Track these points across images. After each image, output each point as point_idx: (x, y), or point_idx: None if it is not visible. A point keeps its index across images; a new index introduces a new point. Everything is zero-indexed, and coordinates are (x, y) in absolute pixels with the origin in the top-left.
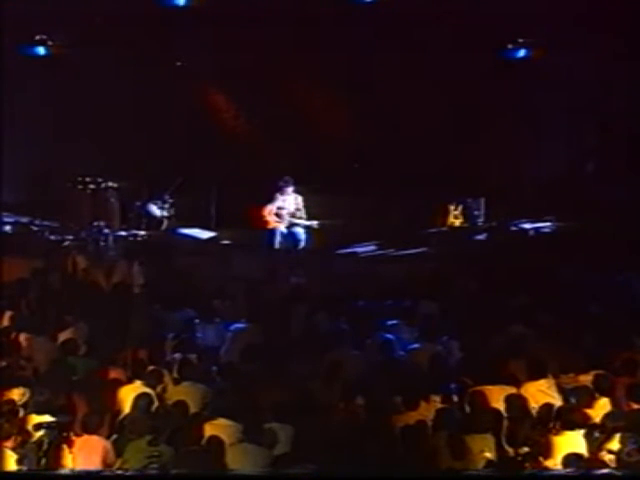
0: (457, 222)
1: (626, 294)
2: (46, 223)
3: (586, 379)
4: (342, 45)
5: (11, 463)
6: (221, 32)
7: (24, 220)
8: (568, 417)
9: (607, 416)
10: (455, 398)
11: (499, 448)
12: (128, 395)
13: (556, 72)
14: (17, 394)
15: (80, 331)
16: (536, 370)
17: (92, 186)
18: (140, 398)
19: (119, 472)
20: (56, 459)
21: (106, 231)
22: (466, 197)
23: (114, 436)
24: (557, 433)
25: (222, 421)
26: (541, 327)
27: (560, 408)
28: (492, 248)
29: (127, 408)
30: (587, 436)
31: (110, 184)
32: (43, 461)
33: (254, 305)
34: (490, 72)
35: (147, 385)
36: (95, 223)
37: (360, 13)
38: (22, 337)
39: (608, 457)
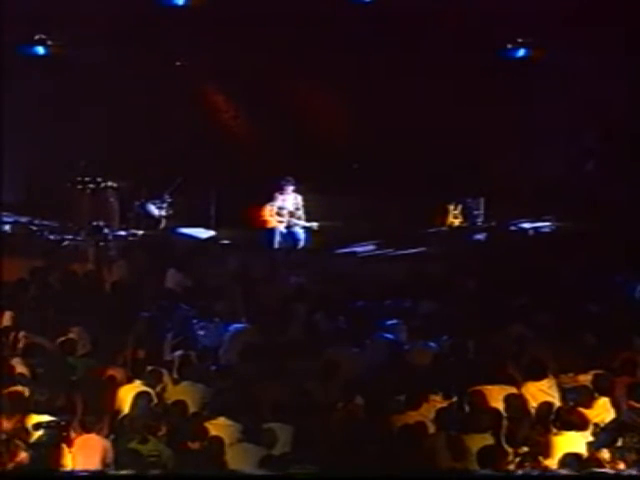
0: (457, 222)
1: (626, 294)
2: (46, 223)
3: (586, 379)
4: (342, 45)
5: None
6: (221, 32)
7: (24, 220)
8: (567, 417)
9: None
10: (455, 398)
11: (499, 448)
12: (128, 395)
13: (556, 72)
14: (16, 394)
15: (79, 331)
16: (536, 370)
17: (92, 186)
18: (140, 397)
19: (119, 472)
20: (56, 459)
21: (106, 231)
22: (466, 197)
23: (114, 436)
24: (557, 433)
25: (222, 421)
26: (541, 327)
27: (559, 408)
28: (492, 248)
29: (127, 408)
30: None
31: (110, 184)
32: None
33: (253, 305)
34: (490, 72)
35: (147, 385)
36: (95, 223)
37: (360, 13)
38: (22, 337)
39: (608, 456)
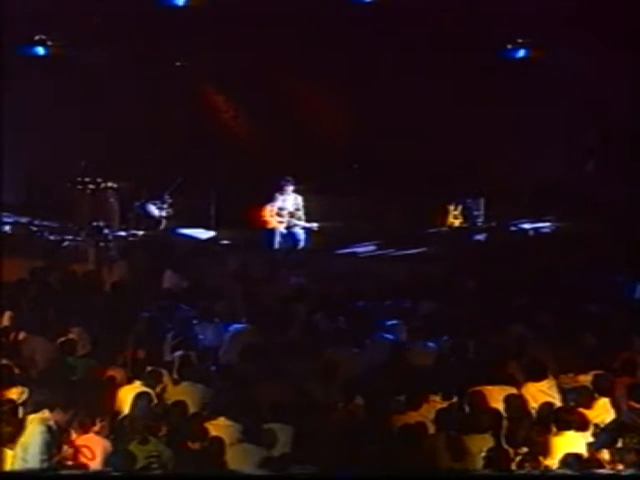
0: (457, 222)
1: (626, 294)
2: (46, 223)
3: (586, 379)
4: (342, 45)
5: (11, 463)
6: (221, 32)
7: (24, 220)
8: (567, 418)
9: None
10: (455, 398)
11: (499, 448)
12: (128, 395)
13: (556, 72)
14: (16, 394)
15: (79, 331)
16: (536, 370)
17: (92, 186)
18: (140, 398)
19: (119, 472)
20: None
21: (106, 231)
22: (466, 197)
23: (113, 436)
24: (557, 433)
25: (221, 421)
26: (541, 327)
27: (559, 408)
28: (492, 248)
29: (127, 408)
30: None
31: (110, 184)
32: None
33: (254, 305)
34: (490, 72)
35: (146, 385)
36: (95, 223)
37: (360, 13)
38: (22, 337)
39: (608, 457)
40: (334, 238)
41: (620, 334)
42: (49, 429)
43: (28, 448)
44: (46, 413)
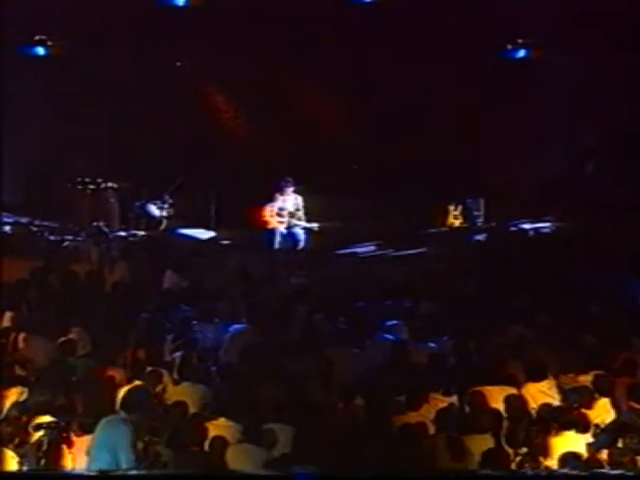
0: (457, 222)
1: (626, 294)
2: (46, 223)
3: (586, 379)
4: (342, 45)
5: (11, 463)
6: (221, 32)
7: (24, 220)
8: (567, 417)
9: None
10: (455, 398)
11: (499, 448)
12: None
13: (556, 72)
14: (16, 394)
15: (80, 331)
16: (536, 371)
17: (92, 186)
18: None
19: (119, 472)
20: (56, 459)
21: (106, 231)
22: (466, 197)
23: None
24: (557, 433)
25: (222, 421)
26: (541, 327)
27: (559, 408)
28: (492, 248)
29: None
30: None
31: (110, 184)
32: (43, 461)
33: (254, 305)
34: (490, 72)
35: (147, 385)
36: (95, 223)
37: (360, 13)
38: (22, 337)
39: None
40: (334, 238)
41: (620, 334)
42: (132, 431)
43: (118, 451)
44: (122, 414)
